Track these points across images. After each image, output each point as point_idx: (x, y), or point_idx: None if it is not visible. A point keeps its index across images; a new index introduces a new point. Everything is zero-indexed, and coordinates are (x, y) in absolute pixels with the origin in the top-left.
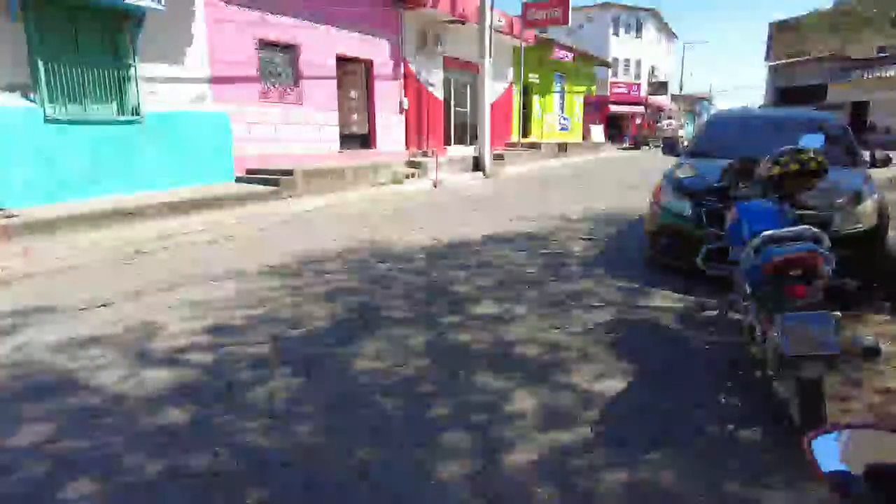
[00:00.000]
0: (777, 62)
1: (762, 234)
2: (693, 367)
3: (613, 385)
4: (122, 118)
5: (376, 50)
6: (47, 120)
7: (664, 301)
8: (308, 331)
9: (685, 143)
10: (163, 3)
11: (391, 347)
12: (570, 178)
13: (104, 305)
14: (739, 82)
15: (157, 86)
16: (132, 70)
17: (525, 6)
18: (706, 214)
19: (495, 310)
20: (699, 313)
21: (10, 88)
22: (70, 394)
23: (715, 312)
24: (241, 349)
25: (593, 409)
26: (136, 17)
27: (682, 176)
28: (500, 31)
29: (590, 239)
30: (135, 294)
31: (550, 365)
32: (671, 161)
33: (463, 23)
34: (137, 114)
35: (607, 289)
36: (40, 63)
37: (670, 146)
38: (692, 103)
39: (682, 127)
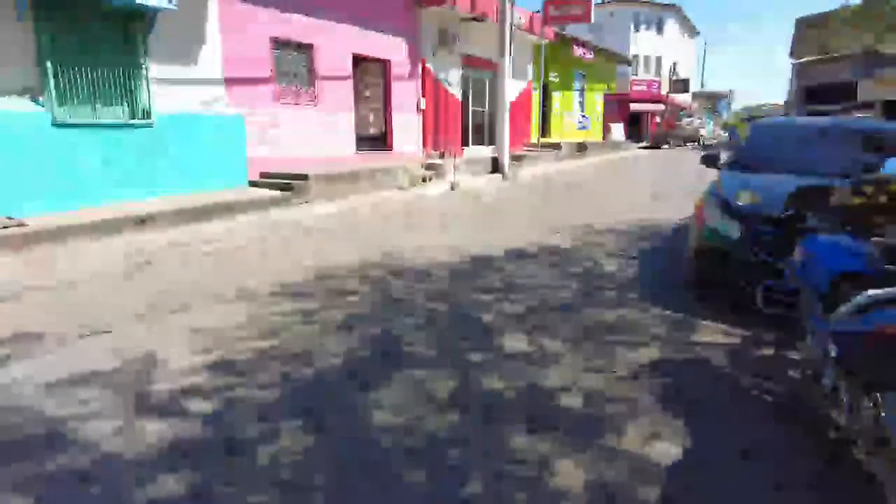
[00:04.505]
0: (803, 59)
1: (868, 294)
2: (760, 426)
3: (670, 451)
4: (132, 121)
5: (393, 49)
6: (55, 124)
7: (712, 335)
8: (322, 370)
9: (703, 141)
10: (174, 2)
11: (414, 394)
12: (592, 182)
13: (105, 332)
14: (762, 78)
15: (169, 87)
16: (143, 71)
17: (546, 3)
18: (764, 244)
19: (527, 346)
20: (753, 351)
21: (18, 92)
22: (56, 451)
23: (770, 351)
24: (248, 393)
25: (650, 484)
26: (148, 17)
27: (741, 204)
28: (520, 29)
29: (622, 256)
30: (139, 316)
31: (595, 421)
32: (693, 159)
33: (482, 20)
34: (148, 116)
35: (648, 319)
36: (49, 65)
37: (711, 158)
38: (712, 101)
39: (702, 126)
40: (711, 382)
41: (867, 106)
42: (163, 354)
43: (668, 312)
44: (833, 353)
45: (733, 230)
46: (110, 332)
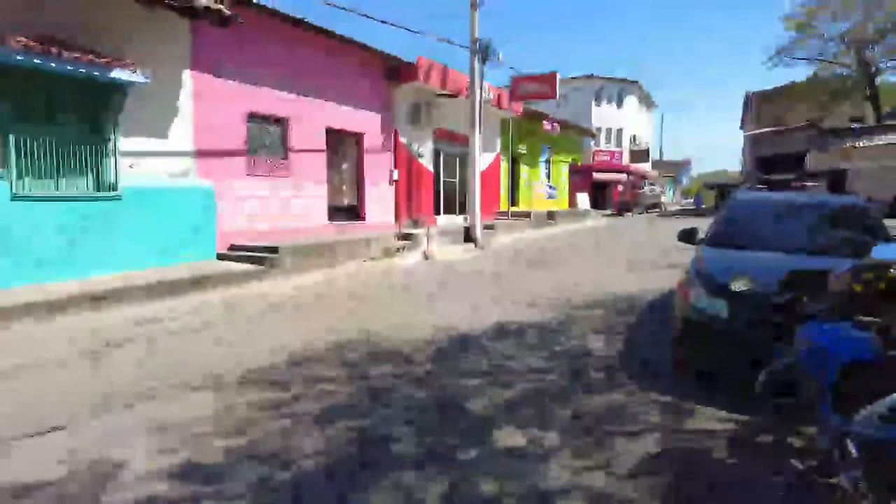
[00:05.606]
0: (755, 132)
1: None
2: None
3: None
4: (98, 194)
5: (367, 123)
6: (15, 198)
7: (709, 422)
8: (299, 474)
9: (665, 208)
10: (147, 76)
11: (403, 502)
12: (563, 251)
13: (55, 429)
14: (717, 147)
15: (138, 160)
16: (111, 144)
17: (514, 80)
18: (759, 325)
19: (521, 440)
20: (753, 438)
21: None
22: None
23: (769, 438)
24: None
25: None
26: (120, 92)
27: (737, 289)
28: (489, 104)
29: (605, 332)
30: (95, 410)
31: None
32: (658, 226)
33: (454, 96)
34: (115, 189)
35: (642, 404)
36: (11, 137)
37: (688, 234)
38: (673, 169)
39: (663, 193)
40: (718, 477)
41: (814, 175)
42: (121, 456)
43: (658, 395)
44: (854, 455)
45: (721, 309)
46: (61, 429)
